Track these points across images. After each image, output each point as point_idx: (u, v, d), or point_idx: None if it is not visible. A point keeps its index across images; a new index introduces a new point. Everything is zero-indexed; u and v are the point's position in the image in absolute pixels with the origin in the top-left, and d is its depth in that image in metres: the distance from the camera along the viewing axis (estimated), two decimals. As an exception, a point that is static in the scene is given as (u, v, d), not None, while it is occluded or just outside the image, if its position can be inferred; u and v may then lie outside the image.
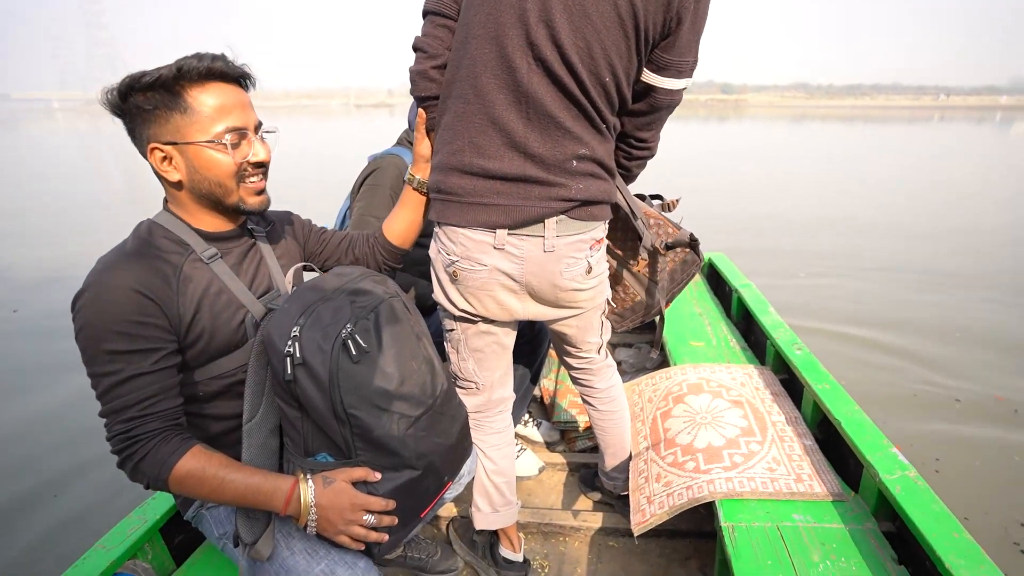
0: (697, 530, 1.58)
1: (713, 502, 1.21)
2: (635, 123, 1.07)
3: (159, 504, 1.14)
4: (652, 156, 1.18)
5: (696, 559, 1.56)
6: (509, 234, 1.04)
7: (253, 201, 0.98)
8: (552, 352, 2.34)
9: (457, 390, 1.34)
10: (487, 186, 1.02)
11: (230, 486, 0.87)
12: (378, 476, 0.90)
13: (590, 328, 1.28)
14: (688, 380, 1.68)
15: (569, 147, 1.01)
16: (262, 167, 0.98)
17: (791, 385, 1.62)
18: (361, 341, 0.87)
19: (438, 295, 1.19)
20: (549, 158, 1.00)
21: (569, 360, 1.41)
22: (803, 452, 1.33)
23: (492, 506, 1.41)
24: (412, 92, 1.12)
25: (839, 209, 7.72)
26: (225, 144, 0.90)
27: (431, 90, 1.09)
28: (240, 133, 0.92)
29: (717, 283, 2.42)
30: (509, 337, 1.26)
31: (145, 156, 0.91)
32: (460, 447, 1.09)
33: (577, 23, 0.94)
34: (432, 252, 1.16)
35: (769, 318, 1.84)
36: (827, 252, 5.63)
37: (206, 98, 0.89)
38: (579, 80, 0.97)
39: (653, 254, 1.32)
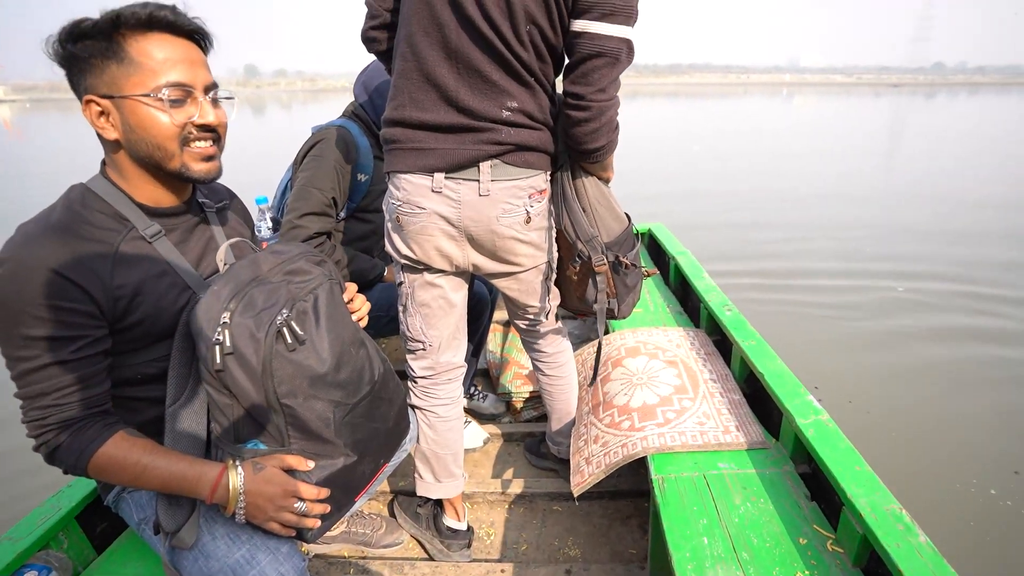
0: (636, 490, 1.64)
1: (646, 457, 1.25)
2: (569, 78, 1.05)
3: (75, 491, 1.09)
4: (594, 120, 1.05)
5: (636, 517, 1.62)
6: (446, 178, 1.07)
7: (198, 168, 0.88)
8: (498, 326, 2.36)
9: (407, 355, 1.34)
10: (424, 135, 1.07)
11: (153, 473, 0.83)
12: (311, 465, 0.88)
13: (532, 292, 1.29)
14: (626, 344, 1.72)
15: (497, 100, 1.04)
16: (210, 131, 0.88)
17: (723, 345, 1.68)
18: (297, 328, 0.83)
19: (387, 244, 1.22)
20: (479, 110, 1.04)
21: (517, 322, 1.43)
22: (731, 406, 1.39)
23: (435, 476, 1.41)
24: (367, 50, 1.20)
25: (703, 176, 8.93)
26: (163, 100, 0.81)
27: (375, 48, 1.18)
28: (184, 90, 0.83)
29: (657, 252, 2.48)
30: (457, 294, 1.26)
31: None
32: (397, 429, 1.08)
33: None
34: (384, 203, 1.20)
35: (703, 282, 1.90)
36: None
37: (149, 49, 0.80)
38: (501, 35, 0.99)
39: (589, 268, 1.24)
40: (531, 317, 1.37)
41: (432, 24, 1.01)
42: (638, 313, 1.96)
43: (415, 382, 1.34)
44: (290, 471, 0.87)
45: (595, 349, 1.81)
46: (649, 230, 2.60)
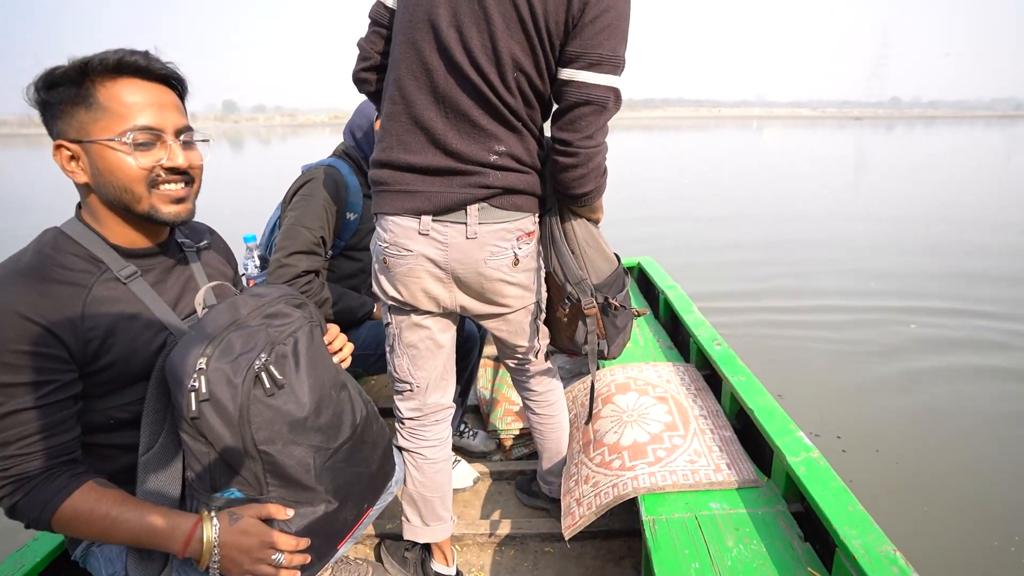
0: (629, 529, 1.60)
1: (637, 497, 1.23)
2: (556, 124, 1.06)
3: (41, 545, 1.04)
4: (581, 166, 1.05)
5: (630, 557, 1.57)
6: (433, 220, 1.07)
7: (168, 210, 0.87)
8: (488, 362, 2.33)
9: (394, 396, 1.32)
10: (411, 177, 1.07)
11: (122, 526, 0.79)
12: (290, 513, 0.85)
13: (521, 332, 1.28)
14: (616, 380, 1.71)
15: (485, 144, 1.04)
16: (181, 174, 0.88)
17: (713, 380, 1.68)
18: (276, 372, 0.82)
19: (374, 285, 1.21)
20: (467, 154, 1.04)
21: (507, 361, 1.41)
22: (722, 443, 1.37)
23: (422, 519, 1.37)
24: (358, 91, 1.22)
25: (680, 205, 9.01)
26: (128, 144, 0.81)
27: (366, 88, 1.19)
28: (152, 133, 0.83)
29: (646, 286, 2.49)
30: (444, 335, 1.25)
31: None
32: (382, 472, 1.05)
33: (482, 25, 0.98)
34: (371, 244, 1.20)
35: (692, 317, 1.90)
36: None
37: (118, 94, 0.81)
38: (488, 81, 1.01)
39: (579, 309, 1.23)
40: (520, 356, 1.36)
41: (421, 69, 1.02)
42: (628, 348, 1.95)
43: (402, 423, 1.32)
44: (268, 520, 0.84)
45: (586, 387, 1.79)
46: (639, 264, 2.61)
